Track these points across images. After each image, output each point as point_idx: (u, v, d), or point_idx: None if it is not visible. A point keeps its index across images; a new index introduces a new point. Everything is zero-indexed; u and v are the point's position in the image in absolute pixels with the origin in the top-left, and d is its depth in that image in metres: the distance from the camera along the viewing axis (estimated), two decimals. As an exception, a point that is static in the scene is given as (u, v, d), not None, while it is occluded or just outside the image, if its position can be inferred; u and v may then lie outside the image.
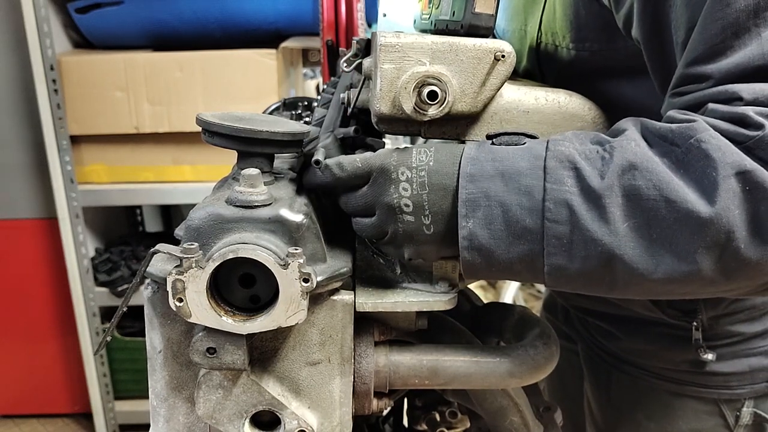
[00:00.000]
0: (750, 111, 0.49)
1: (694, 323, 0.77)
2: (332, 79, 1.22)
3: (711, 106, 0.53)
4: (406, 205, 0.56)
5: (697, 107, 0.54)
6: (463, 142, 0.63)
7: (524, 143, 0.56)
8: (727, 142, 0.49)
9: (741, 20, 0.52)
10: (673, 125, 0.52)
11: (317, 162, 0.59)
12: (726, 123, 0.50)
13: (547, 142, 0.55)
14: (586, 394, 0.97)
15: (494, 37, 0.92)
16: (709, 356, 0.78)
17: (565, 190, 0.51)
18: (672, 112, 0.55)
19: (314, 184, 0.61)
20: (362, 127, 0.70)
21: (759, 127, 0.48)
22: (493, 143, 0.57)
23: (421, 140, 0.74)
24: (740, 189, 0.47)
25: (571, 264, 0.52)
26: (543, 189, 0.52)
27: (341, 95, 0.76)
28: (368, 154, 0.59)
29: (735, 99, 0.51)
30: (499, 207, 0.53)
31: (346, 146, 0.70)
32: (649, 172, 0.50)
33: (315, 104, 1.03)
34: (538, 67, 0.79)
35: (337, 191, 0.61)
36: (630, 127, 0.55)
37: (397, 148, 0.59)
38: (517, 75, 0.82)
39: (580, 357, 0.98)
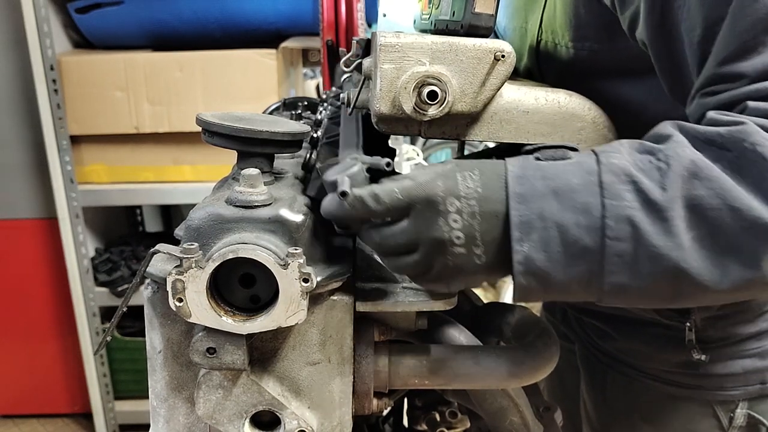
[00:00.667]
0: None
1: (688, 324, 0.77)
2: (334, 89, 1.21)
3: (751, 104, 0.52)
4: (458, 238, 0.52)
5: (732, 106, 0.54)
6: (463, 142, 0.63)
7: (570, 157, 0.53)
8: None
9: None
10: (721, 129, 0.51)
11: (344, 194, 0.51)
12: None
13: (597, 155, 0.52)
14: (581, 394, 0.98)
15: (496, 34, 0.92)
16: (702, 357, 0.78)
17: (625, 206, 0.49)
18: (713, 114, 0.54)
19: (338, 216, 0.53)
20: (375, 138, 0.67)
21: None
22: (537, 159, 0.54)
23: (428, 141, 0.73)
24: None
25: (633, 281, 0.50)
26: (601, 205, 0.50)
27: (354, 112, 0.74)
28: (407, 183, 0.52)
29: None
30: (556, 228, 0.50)
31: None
32: (710, 180, 0.49)
33: (320, 108, 1.02)
34: (538, 65, 0.79)
35: (365, 225, 0.55)
36: (674, 131, 0.53)
37: (435, 171, 0.53)
38: (517, 73, 0.82)
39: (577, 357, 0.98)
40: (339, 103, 1.01)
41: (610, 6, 0.65)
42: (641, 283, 0.50)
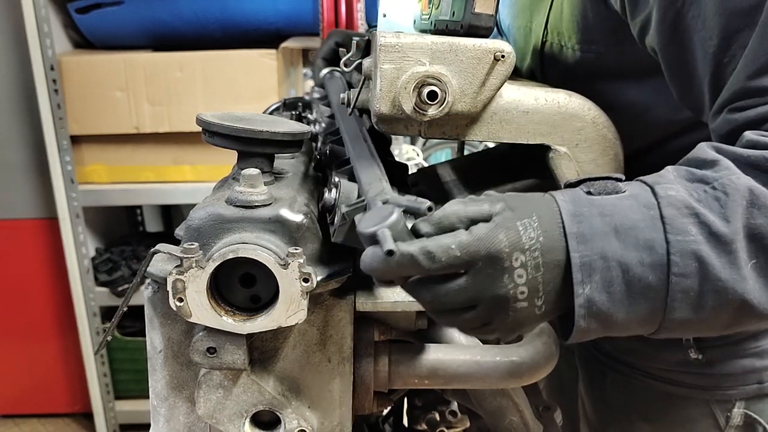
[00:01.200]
0: None
1: None
2: (315, 88, 1.16)
3: None
4: (522, 293, 0.48)
5: (763, 122, 0.53)
6: (463, 142, 0.63)
7: (623, 190, 0.51)
8: None
9: None
10: (766, 152, 0.50)
11: (390, 252, 0.45)
12: None
13: (651, 187, 0.51)
14: (580, 394, 0.98)
15: (500, 32, 0.92)
16: (699, 356, 0.78)
17: (690, 240, 0.48)
18: (752, 135, 0.53)
19: (384, 275, 0.47)
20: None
21: None
22: (589, 193, 0.52)
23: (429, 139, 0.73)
24: None
25: (696, 315, 0.49)
26: (665, 241, 0.48)
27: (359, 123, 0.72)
28: (464, 238, 0.47)
29: None
30: (619, 267, 0.48)
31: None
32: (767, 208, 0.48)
33: (314, 111, 1.01)
34: (542, 66, 0.79)
35: (412, 278, 0.50)
36: (718, 157, 0.52)
37: (494, 223, 0.48)
38: (519, 74, 0.82)
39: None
40: (324, 103, 1.00)
41: (620, 11, 0.64)
42: (703, 316, 0.49)
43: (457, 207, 0.49)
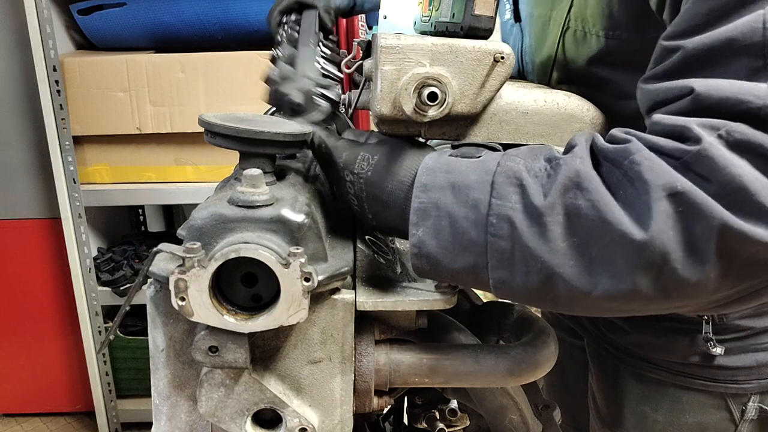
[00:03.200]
0: (693, 123, 0.48)
1: (705, 317, 0.78)
2: (293, 16, 1.09)
3: (655, 117, 0.52)
4: (353, 200, 0.62)
5: (657, 105, 0.54)
6: (458, 145, 0.64)
7: (480, 156, 0.57)
8: (661, 162, 0.48)
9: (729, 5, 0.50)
10: (611, 146, 0.52)
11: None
12: (664, 139, 0.49)
13: (501, 157, 0.55)
14: (590, 388, 0.98)
15: (518, 21, 0.91)
16: (718, 350, 0.78)
17: (508, 207, 0.52)
18: (614, 131, 0.54)
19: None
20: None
21: (697, 141, 0.47)
22: (451, 155, 0.58)
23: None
24: (673, 211, 0.46)
25: (512, 279, 0.53)
26: (488, 204, 0.53)
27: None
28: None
29: (686, 94, 0.50)
30: (447, 218, 0.54)
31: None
32: (590, 192, 0.49)
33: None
34: (563, 53, 0.78)
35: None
36: (580, 142, 0.54)
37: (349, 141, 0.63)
38: (533, 65, 0.82)
39: (585, 352, 0.98)
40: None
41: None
42: (520, 281, 0.52)
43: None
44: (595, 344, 0.95)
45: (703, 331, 0.78)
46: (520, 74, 0.91)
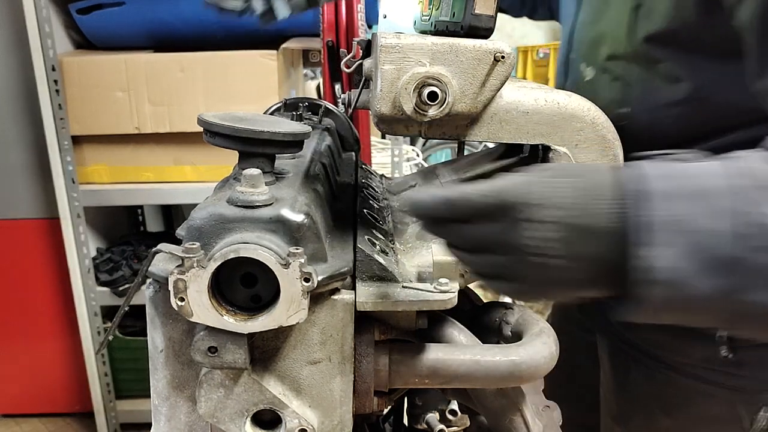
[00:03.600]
0: None
1: None
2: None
3: None
4: (552, 249, 0.46)
5: None
6: (463, 143, 0.63)
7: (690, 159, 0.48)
8: None
9: None
10: None
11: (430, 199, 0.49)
12: None
13: (721, 159, 0.48)
14: (601, 384, 0.97)
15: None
16: (729, 354, 0.77)
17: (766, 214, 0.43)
18: None
19: (426, 212, 0.50)
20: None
21: None
22: (654, 159, 0.48)
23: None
24: None
25: None
26: (741, 212, 0.44)
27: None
28: (498, 183, 0.48)
29: None
30: (690, 233, 0.44)
31: None
32: None
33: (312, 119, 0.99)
34: (625, 27, 0.75)
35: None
36: None
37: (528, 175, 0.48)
38: (583, 40, 0.80)
39: (595, 347, 0.98)
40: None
41: None
42: None
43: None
44: (608, 340, 0.94)
45: (717, 334, 0.78)
46: (564, 51, 0.90)
